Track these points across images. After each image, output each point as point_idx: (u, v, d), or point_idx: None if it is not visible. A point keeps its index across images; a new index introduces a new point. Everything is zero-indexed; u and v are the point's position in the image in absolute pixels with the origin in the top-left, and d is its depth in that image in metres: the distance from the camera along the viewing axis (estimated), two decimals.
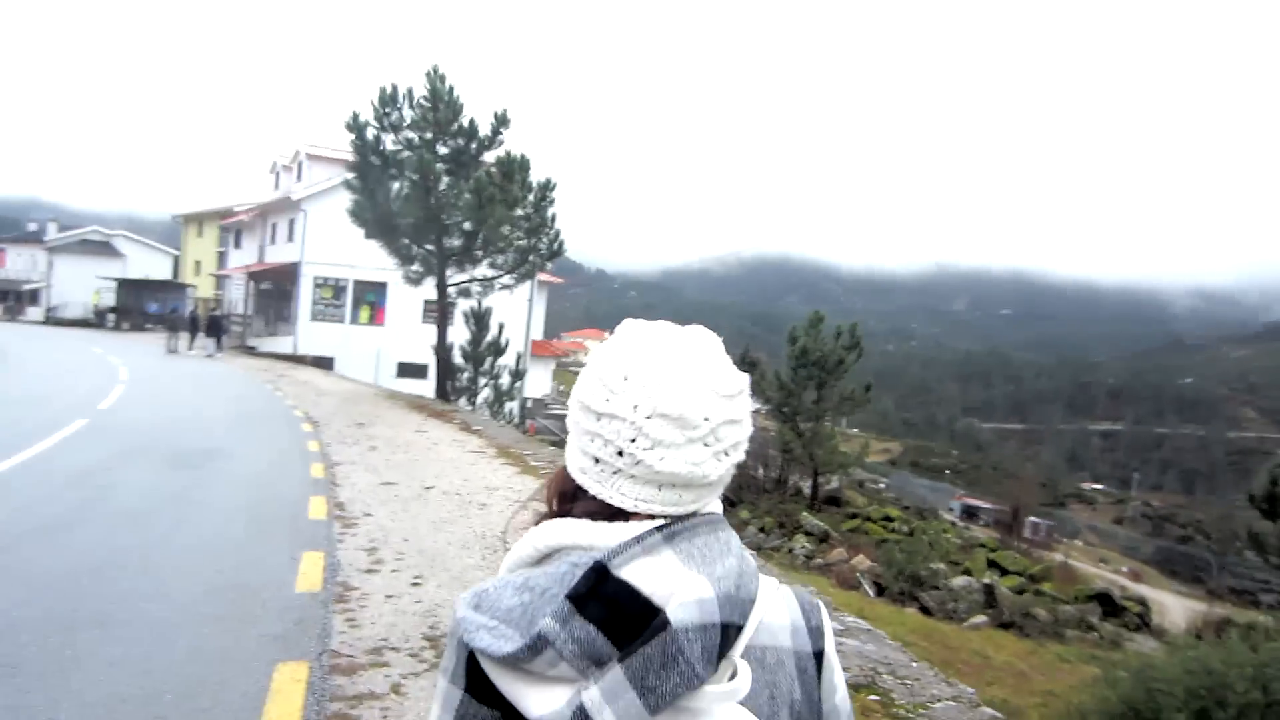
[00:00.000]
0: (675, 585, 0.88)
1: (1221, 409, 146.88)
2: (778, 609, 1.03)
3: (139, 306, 49.19)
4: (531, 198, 21.28)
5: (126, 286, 51.09)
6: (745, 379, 1.02)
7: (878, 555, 21.12)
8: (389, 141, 20.85)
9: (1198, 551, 58.69)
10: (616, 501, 0.96)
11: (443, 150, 20.98)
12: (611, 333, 1.06)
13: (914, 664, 5.12)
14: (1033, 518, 45.12)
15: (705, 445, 0.95)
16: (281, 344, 36.64)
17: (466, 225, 20.51)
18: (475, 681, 0.92)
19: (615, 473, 0.96)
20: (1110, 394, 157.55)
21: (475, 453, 13.12)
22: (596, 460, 0.98)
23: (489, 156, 21.27)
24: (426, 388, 26.14)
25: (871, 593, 18.97)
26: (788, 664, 1.01)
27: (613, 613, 0.86)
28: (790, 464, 29.16)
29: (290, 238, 37.11)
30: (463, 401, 23.55)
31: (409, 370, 34.73)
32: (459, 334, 24.54)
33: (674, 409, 0.94)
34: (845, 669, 4.54)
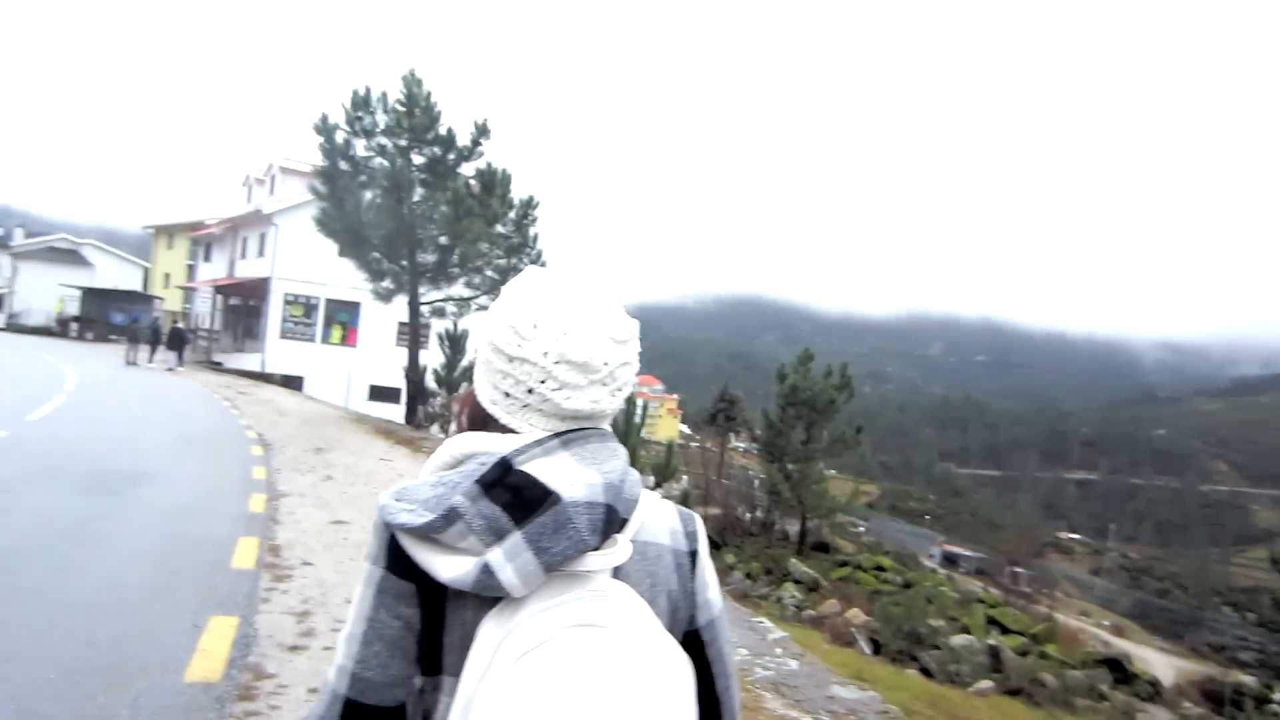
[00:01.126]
0: (568, 474, 1.00)
1: (1194, 462, 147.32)
2: (659, 514, 1.15)
3: (103, 316, 47.39)
4: (512, 215, 20.00)
5: (91, 295, 49.34)
6: (635, 325, 1.13)
7: (873, 609, 19.74)
8: (360, 147, 19.50)
9: (1176, 605, 58.02)
10: (524, 431, 1.08)
11: (418, 159, 19.64)
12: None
13: None
14: (1015, 567, 43.80)
15: (604, 385, 1.08)
16: (249, 361, 35.21)
17: (442, 240, 19.20)
18: (394, 560, 1.03)
19: (524, 407, 1.08)
20: (1085, 443, 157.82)
21: None
22: (507, 395, 1.09)
23: (467, 169, 20.00)
24: (398, 412, 24.66)
25: (868, 650, 17.58)
26: (666, 559, 1.13)
27: (515, 496, 0.98)
28: (777, 507, 27.80)
29: (261, 252, 35.81)
30: (435, 428, 22.06)
31: (381, 393, 33.29)
32: (433, 357, 23.11)
33: (579, 355, 1.06)
34: None
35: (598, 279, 1.12)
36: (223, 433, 15.26)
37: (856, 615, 19.65)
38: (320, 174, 19.59)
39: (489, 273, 20.44)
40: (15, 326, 53.25)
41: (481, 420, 1.12)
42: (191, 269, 49.18)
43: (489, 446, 1.05)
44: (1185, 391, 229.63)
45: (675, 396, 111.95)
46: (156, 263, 58.33)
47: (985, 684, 16.55)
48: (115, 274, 60.39)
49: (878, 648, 18.15)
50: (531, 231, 20.41)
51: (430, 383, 22.52)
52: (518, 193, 20.14)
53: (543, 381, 1.05)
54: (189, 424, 15.86)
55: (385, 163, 18.98)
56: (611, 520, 1.00)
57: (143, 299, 49.35)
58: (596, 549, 0.99)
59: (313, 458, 13.30)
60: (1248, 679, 27.03)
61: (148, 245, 61.70)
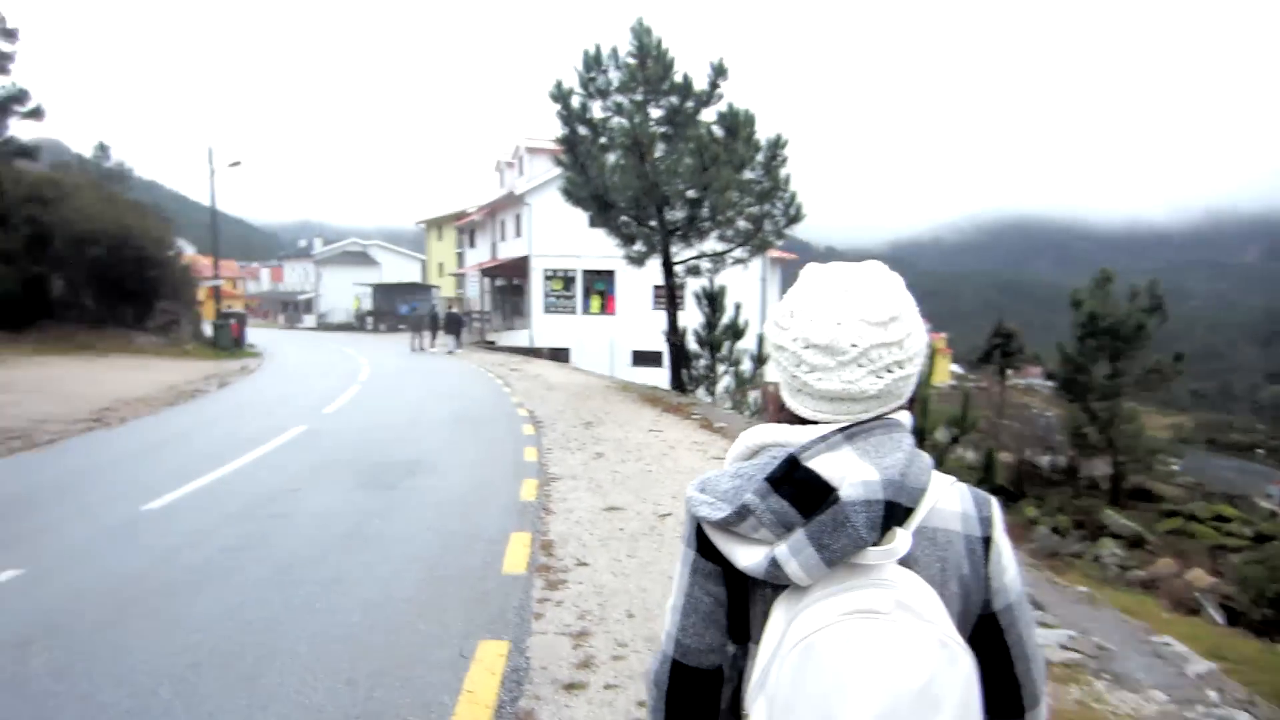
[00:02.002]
0: (848, 471, 1.06)
1: None
2: (950, 499, 1.15)
3: (391, 308, 51.75)
4: (760, 158, 18.66)
5: (380, 291, 54.15)
6: (897, 307, 1.12)
7: (1221, 568, 16.87)
8: (597, 109, 18.97)
9: None
10: (801, 413, 1.16)
11: (656, 112, 18.78)
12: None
13: None
14: None
15: (859, 366, 1.10)
16: (518, 338, 36.70)
17: (689, 193, 18.28)
18: (703, 544, 1.16)
19: (797, 391, 1.16)
20: None
21: (720, 459, 10.78)
22: (786, 382, 1.19)
23: (708, 115, 18.90)
24: (661, 376, 24.35)
25: (1220, 619, 14.96)
26: (957, 544, 1.13)
27: (800, 491, 1.06)
28: (1082, 451, 24.83)
29: (518, 232, 37.07)
30: (701, 391, 21.45)
31: (643, 359, 33.47)
32: (691, 318, 22.45)
33: (822, 339, 1.11)
34: None
35: (868, 267, 1.16)
36: (496, 412, 15.42)
37: (1200, 577, 16.86)
38: (561, 143, 19.36)
39: (741, 223, 19.28)
40: (324, 325, 59.70)
41: (779, 405, 1.21)
42: (460, 256, 52.26)
43: (780, 438, 1.14)
44: None
45: (943, 335, 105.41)
46: (430, 254, 62.76)
47: None
48: (398, 269, 66.01)
49: (1233, 617, 15.42)
50: (782, 173, 18.93)
51: (691, 344, 21.91)
52: (763, 133, 18.74)
53: (798, 366, 1.13)
54: (465, 406, 16.23)
55: (623, 120, 18.33)
56: (892, 515, 1.05)
57: (422, 289, 53.27)
58: (876, 544, 1.04)
59: (582, 433, 12.99)
60: None
61: (422, 239, 66.60)
